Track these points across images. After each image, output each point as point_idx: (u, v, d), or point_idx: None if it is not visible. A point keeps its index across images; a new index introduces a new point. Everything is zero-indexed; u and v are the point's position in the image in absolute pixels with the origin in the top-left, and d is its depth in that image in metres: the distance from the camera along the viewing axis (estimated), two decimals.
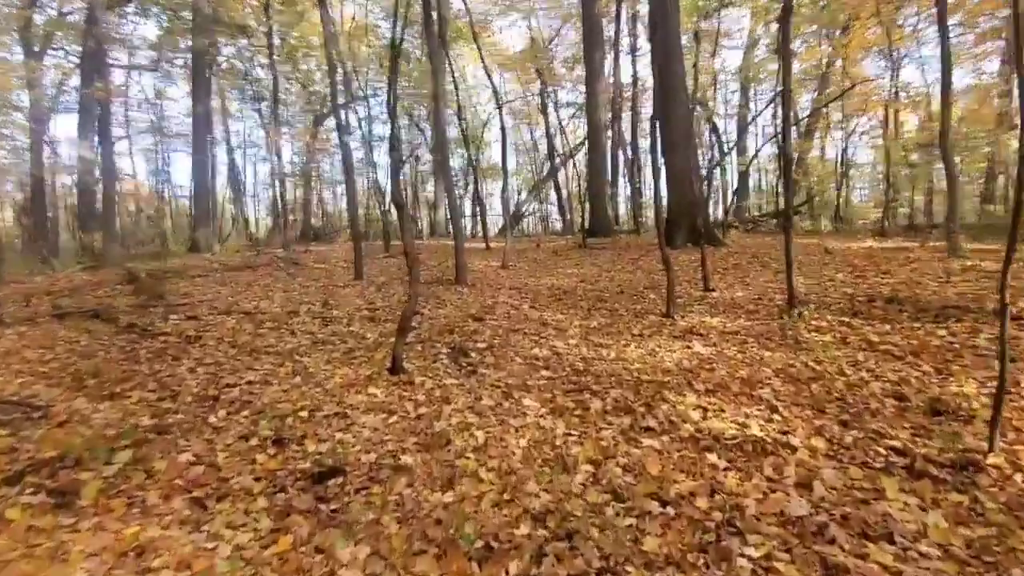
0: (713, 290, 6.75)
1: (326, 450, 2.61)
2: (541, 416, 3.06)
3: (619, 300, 6.73)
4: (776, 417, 2.95)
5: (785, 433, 2.74)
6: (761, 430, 2.78)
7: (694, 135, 10.76)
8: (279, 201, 15.24)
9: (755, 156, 15.17)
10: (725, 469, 2.41)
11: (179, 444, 2.73)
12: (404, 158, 25.26)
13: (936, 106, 19.87)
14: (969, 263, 7.02)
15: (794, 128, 19.32)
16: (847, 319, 4.94)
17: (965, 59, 20.22)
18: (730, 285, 7.02)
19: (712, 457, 2.51)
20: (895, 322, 4.74)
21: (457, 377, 3.75)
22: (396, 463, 2.48)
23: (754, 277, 7.36)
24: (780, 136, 5.17)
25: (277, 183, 15.12)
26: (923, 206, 20.80)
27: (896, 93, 18.43)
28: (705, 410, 3.09)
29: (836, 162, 20.75)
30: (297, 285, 7.81)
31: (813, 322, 4.95)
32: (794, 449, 2.57)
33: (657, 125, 9.14)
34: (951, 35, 20.62)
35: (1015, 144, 20.98)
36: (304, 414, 3.04)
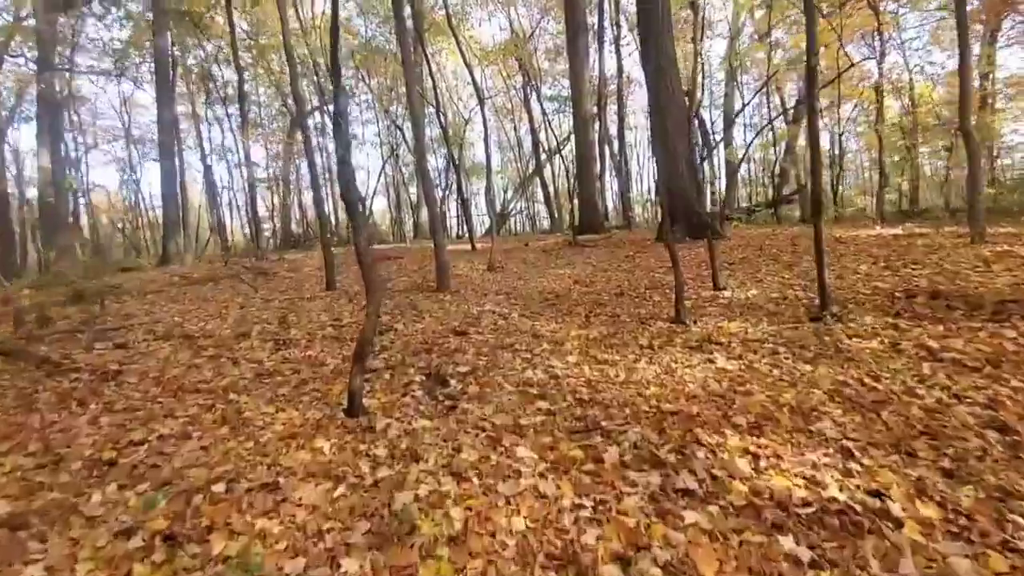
0: (724, 288, 6.04)
1: (237, 552, 1.83)
2: (540, 474, 2.29)
3: (620, 304, 5.99)
4: (854, 466, 2.21)
5: (877, 494, 2.00)
6: (841, 489, 2.04)
7: (689, 121, 10.05)
8: (250, 207, 14.31)
9: (750, 145, 14.51)
10: (812, 565, 1.66)
11: (30, 548, 1.93)
12: (386, 158, 24.36)
13: (920, 90, 19.56)
14: (999, 249, 6.38)
15: (781, 116, 18.81)
16: (891, 320, 4.24)
17: (945, 42, 19.88)
18: (741, 283, 6.31)
19: (787, 541, 1.76)
20: (948, 322, 4.04)
21: (432, 416, 2.97)
22: (334, 573, 1.70)
23: (766, 272, 6.66)
24: (806, 113, 4.46)
25: (247, 188, 14.18)
26: (909, 193, 20.40)
27: (881, 77, 17.93)
28: (756, 457, 2.34)
29: (830, 149, 20.31)
30: (259, 299, 6.97)
31: (851, 325, 4.24)
32: (898, 522, 1.83)
33: (649, 111, 8.40)
34: (934, 19, 20.03)
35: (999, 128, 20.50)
36: (220, 488, 2.24)
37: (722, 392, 3.15)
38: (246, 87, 23.93)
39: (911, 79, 19.07)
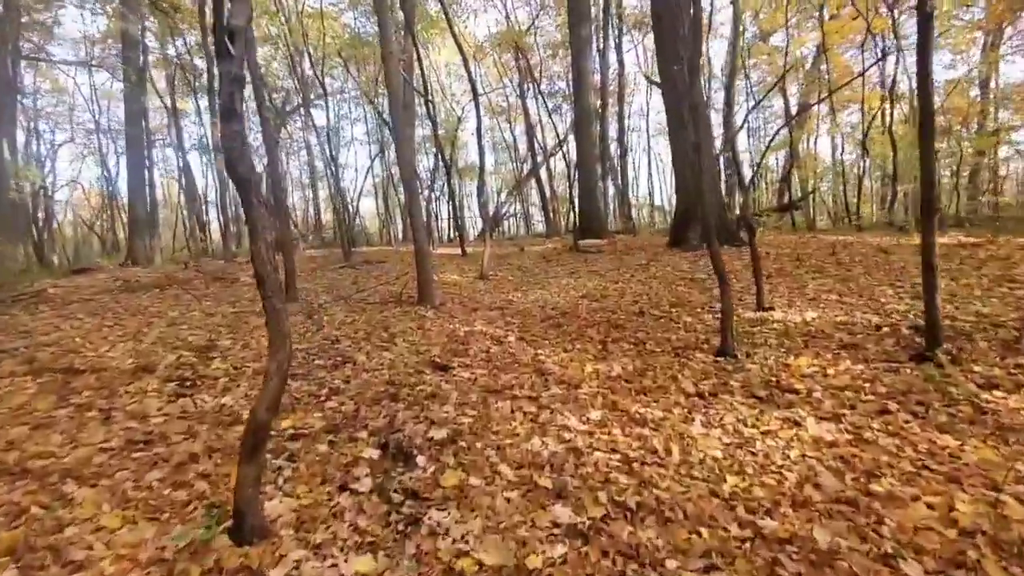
0: (771, 308, 4.89)
1: None
2: None
3: (642, 326, 4.82)
4: None
5: None
6: None
7: (706, 109, 8.96)
8: (219, 203, 13.05)
9: (768, 149, 13.45)
10: None
11: None
12: (374, 156, 23.12)
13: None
14: None
15: (795, 118, 17.83)
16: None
17: (943, 51, 19.08)
18: (789, 301, 5.16)
19: None
20: None
21: (378, 544, 1.77)
22: None
23: (816, 289, 5.51)
24: (917, 82, 3.34)
25: (218, 183, 12.92)
26: (910, 200, 19.61)
27: (891, 82, 16.93)
28: None
29: (841, 156, 19.41)
30: (199, 312, 5.73)
31: (975, 368, 3.10)
32: None
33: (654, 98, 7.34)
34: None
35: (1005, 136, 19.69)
36: None
37: (848, 494, 1.97)
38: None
39: (911, 86, 18.26)
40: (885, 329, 3.99)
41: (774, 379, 3.28)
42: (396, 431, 2.59)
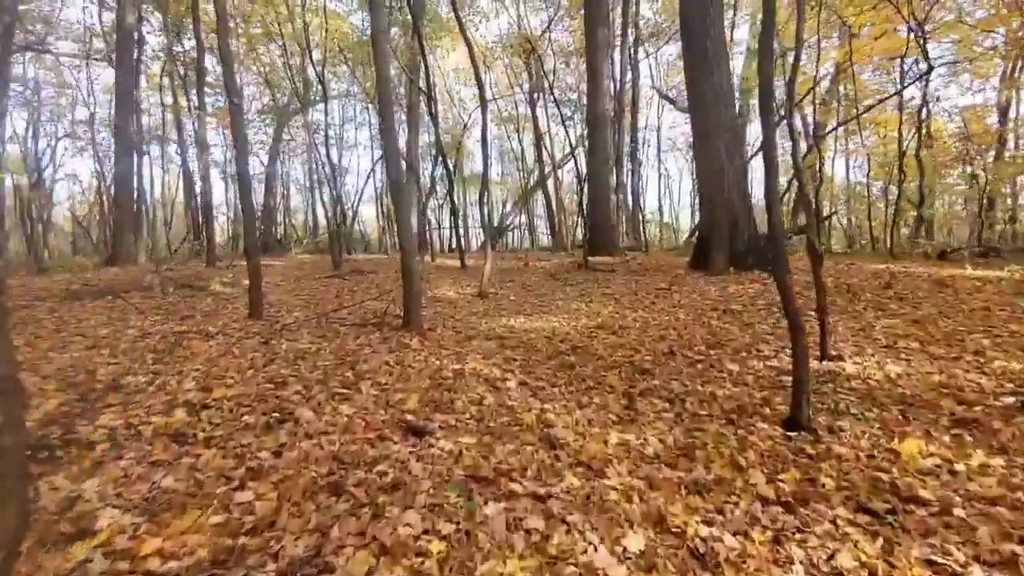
0: (839, 358, 3.90)
1: None
2: None
3: (675, 372, 3.85)
4: None
5: None
6: None
7: (736, 120, 8.05)
8: (200, 203, 12.17)
9: (807, 155, 12.54)
10: None
11: None
12: (376, 160, 22.32)
13: (937, 124, 17.92)
14: None
15: (801, 142, 16.97)
16: None
17: (962, 75, 18.29)
18: (857, 347, 4.18)
19: None
20: None
21: None
22: None
23: (885, 331, 4.53)
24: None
25: (200, 179, 12.05)
26: (925, 226, 18.73)
27: (920, 104, 15.95)
28: None
29: (867, 178, 18.50)
30: (135, 330, 4.77)
31: None
32: None
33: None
34: (948, 55, 18.09)
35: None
36: None
37: None
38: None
39: (929, 111, 17.43)
40: (1008, 399, 3.01)
41: (883, 476, 2.30)
42: (320, 571, 1.61)
